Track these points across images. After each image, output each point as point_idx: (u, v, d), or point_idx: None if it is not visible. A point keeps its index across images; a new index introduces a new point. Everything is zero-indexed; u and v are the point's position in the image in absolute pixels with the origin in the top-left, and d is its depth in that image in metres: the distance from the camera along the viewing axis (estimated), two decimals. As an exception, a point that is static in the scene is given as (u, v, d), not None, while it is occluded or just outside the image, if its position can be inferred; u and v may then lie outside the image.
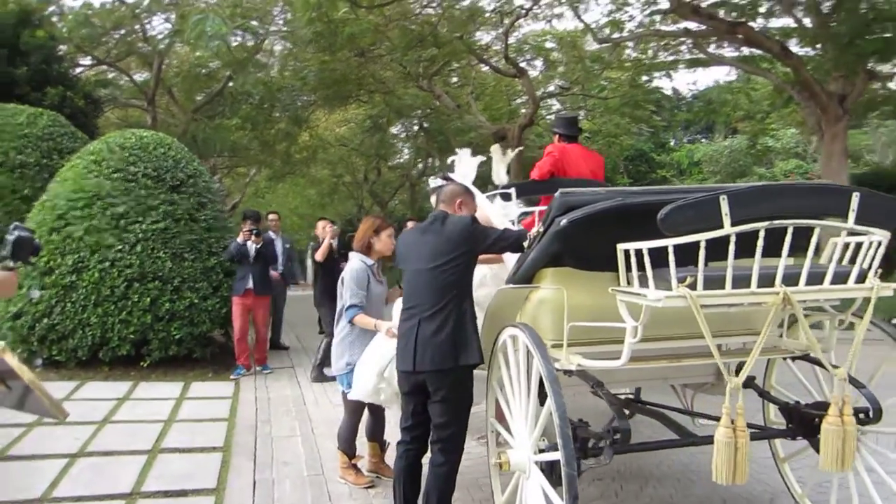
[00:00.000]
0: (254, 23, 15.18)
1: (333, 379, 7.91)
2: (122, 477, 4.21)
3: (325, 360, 7.68)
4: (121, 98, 19.39)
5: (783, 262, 2.34)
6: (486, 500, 3.79)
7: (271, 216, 8.75)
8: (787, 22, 11.95)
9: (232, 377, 7.07)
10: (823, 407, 3.08)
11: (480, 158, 4.46)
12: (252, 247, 7.12)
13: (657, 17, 13.51)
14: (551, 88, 19.81)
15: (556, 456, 2.65)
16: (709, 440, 3.00)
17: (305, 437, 5.08)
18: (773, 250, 2.28)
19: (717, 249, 2.28)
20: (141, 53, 17.68)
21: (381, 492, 4.03)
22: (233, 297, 7.26)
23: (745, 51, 12.43)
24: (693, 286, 2.25)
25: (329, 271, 7.39)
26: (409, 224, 7.97)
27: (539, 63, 18.80)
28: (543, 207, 4.56)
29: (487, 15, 14.64)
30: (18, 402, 2.49)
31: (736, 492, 3.94)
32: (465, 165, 4.18)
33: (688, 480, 4.17)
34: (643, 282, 2.41)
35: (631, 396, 4.09)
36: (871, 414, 2.88)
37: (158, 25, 17.68)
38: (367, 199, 31.89)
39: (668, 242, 2.25)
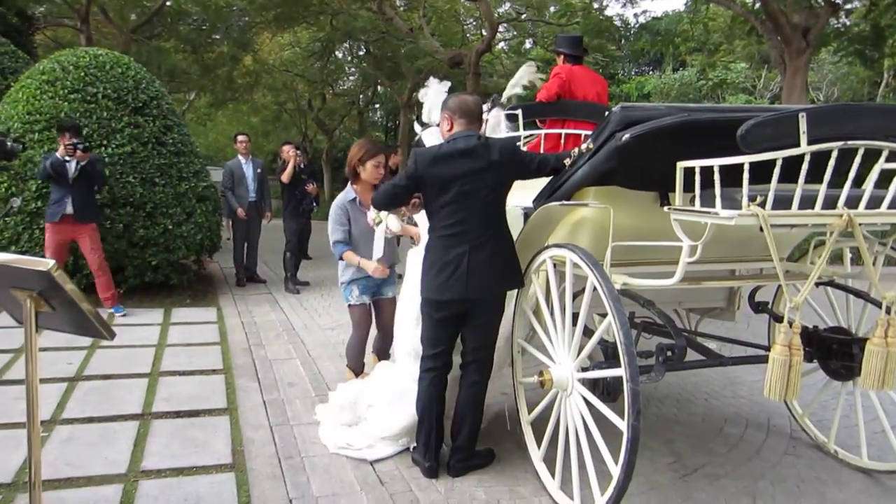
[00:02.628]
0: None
1: (307, 284, 8.15)
2: (128, 399, 4.20)
3: (293, 271, 8.01)
4: (51, 16, 18.04)
5: (848, 185, 2.40)
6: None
7: (241, 137, 8.37)
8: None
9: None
10: (841, 332, 3.31)
11: (448, 84, 4.42)
12: (74, 164, 5.97)
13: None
14: (501, 10, 19.47)
15: (604, 373, 2.76)
16: (737, 361, 3.24)
17: (304, 360, 5.12)
18: (819, 175, 2.35)
19: (764, 172, 2.30)
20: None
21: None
22: (46, 225, 6.14)
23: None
24: (763, 205, 2.29)
25: (293, 192, 8.25)
26: None
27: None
28: (549, 131, 4.60)
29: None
30: (65, 322, 2.44)
31: (733, 411, 4.24)
32: (433, 95, 4.13)
33: (686, 401, 4.44)
34: (706, 201, 2.43)
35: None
36: None
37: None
38: (311, 128, 31.14)
39: (743, 159, 2.26)
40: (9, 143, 2.62)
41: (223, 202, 8.17)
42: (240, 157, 8.21)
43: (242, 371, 4.82)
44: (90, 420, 3.85)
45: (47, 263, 2.10)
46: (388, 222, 3.84)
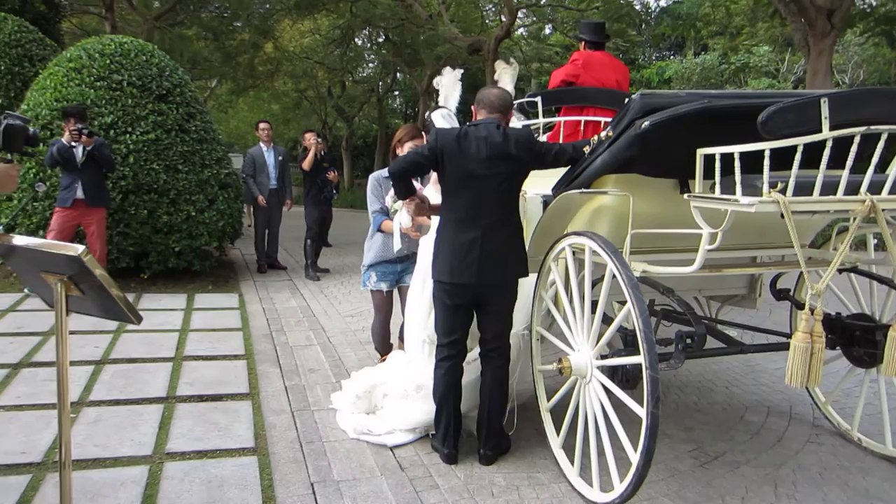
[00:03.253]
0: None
1: (327, 271, 8.23)
2: (153, 382, 4.27)
3: (313, 258, 8.07)
4: (77, 4, 18.23)
5: (871, 170, 2.36)
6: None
7: (262, 125, 8.43)
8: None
9: (27, 290, 6.06)
10: (864, 318, 3.27)
11: (461, 71, 4.43)
12: (81, 149, 6.17)
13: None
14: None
15: (623, 361, 2.76)
16: (758, 349, 3.23)
17: (324, 346, 5.18)
18: (841, 160, 2.31)
19: (785, 158, 2.28)
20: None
21: (415, 392, 4.16)
22: (55, 209, 6.29)
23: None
24: (784, 192, 2.26)
25: (314, 180, 8.26)
26: None
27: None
28: (567, 118, 4.58)
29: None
30: (94, 306, 2.49)
31: (755, 399, 4.21)
32: (448, 83, 4.13)
33: (706, 388, 4.43)
34: (726, 188, 2.41)
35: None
36: None
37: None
38: (331, 115, 31.19)
39: (764, 146, 2.24)
40: (31, 130, 2.66)
41: (244, 189, 8.24)
42: (261, 144, 8.28)
43: (264, 357, 4.88)
44: (116, 402, 3.93)
45: (77, 249, 2.14)
46: (401, 216, 3.87)
